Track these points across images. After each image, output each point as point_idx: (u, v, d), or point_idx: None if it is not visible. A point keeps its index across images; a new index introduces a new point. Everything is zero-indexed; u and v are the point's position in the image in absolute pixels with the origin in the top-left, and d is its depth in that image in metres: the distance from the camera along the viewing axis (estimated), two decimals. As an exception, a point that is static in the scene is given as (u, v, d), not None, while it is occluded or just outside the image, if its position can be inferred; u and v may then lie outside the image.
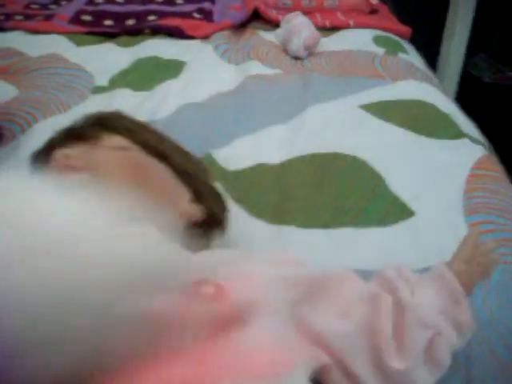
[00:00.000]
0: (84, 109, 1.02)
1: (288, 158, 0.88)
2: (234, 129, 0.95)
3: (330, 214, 0.76)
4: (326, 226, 0.74)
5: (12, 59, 1.23)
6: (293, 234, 0.72)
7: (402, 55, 1.28)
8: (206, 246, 0.60)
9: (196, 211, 0.59)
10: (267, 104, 1.03)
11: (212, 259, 0.50)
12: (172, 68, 1.19)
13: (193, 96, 1.06)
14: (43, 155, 0.60)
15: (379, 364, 0.46)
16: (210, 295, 0.42)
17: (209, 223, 0.61)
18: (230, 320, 0.41)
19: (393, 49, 1.30)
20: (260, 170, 0.86)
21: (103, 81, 1.15)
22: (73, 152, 0.55)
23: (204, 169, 0.66)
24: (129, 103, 1.01)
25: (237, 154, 0.88)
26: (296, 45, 1.25)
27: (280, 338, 0.44)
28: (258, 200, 0.78)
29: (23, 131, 0.95)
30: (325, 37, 1.34)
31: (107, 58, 1.25)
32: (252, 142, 0.92)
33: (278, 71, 1.16)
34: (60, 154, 0.54)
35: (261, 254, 0.54)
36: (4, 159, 0.89)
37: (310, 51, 1.27)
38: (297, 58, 1.25)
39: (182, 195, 0.60)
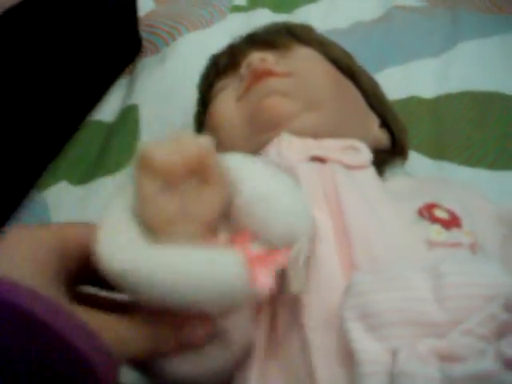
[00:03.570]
0: (226, 26, 0.99)
1: (443, 92, 0.82)
2: (383, 59, 0.90)
3: (493, 155, 0.71)
4: (491, 167, 0.69)
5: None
6: (456, 172, 0.69)
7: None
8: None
9: (384, 138, 0.56)
10: (415, 36, 0.96)
11: None
12: (310, -8, 1.14)
13: (334, 23, 1.01)
14: (226, 59, 0.57)
15: None
16: None
17: (393, 152, 0.58)
18: None
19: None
20: (414, 102, 0.81)
21: (241, 0, 1.11)
22: (269, 56, 0.51)
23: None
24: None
25: (388, 85, 0.83)
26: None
27: None
28: (414, 132, 0.74)
29: (167, 44, 0.94)
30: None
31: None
32: (403, 73, 0.87)
33: (423, 3, 1.08)
34: (256, 56, 0.50)
35: None
36: (150, 69, 0.88)
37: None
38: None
39: (373, 120, 0.56)
